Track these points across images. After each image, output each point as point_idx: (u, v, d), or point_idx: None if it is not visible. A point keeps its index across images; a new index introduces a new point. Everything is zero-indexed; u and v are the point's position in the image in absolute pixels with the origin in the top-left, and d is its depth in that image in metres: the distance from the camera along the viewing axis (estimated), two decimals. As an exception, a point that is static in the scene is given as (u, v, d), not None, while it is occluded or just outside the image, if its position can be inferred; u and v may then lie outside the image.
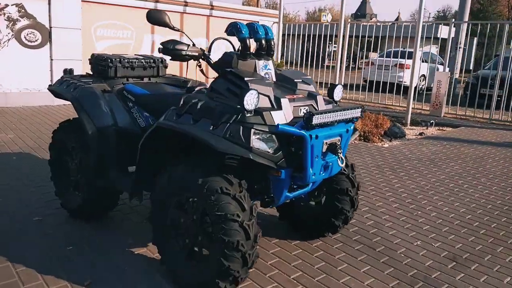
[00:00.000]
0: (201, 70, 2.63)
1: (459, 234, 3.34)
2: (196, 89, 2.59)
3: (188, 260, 2.35)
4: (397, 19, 45.61)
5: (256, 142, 2.14)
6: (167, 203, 2.38)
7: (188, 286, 2.33)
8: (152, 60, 3.28)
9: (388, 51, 13.92)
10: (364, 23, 16.14)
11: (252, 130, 2.12)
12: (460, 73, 11.17)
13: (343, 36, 9.97)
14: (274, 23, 11.32)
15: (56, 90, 3.18)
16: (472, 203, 4.06)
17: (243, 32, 2.42)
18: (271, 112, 2.21)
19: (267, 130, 2.17)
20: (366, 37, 13.55)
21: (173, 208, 2.38)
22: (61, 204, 3.26)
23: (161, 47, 2.43)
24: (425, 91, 11.33)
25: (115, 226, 3.14)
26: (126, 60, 3.12)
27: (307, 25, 12.51)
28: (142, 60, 3.22)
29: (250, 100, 2.11)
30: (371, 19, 47.40)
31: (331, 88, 2.63)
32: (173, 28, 2.54)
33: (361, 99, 10.92)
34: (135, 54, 3.42)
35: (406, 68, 12.22)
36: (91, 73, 3.28)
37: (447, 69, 9.91)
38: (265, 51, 2.50)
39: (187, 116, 2.24)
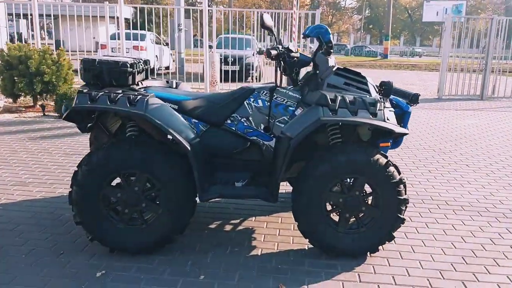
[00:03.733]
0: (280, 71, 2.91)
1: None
2: (289, 87, 2.91)
3: (348, 230, 2.68)
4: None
5: None
6: (323, 189, 2.58)
7: (351, 252, 2.68)
8: (144, 62, 2.99)
9: (113, 33, 13.83)
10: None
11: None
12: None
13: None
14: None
15: (100, 106, 2.47)
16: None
17: (329, 33, 2.79)
18: None
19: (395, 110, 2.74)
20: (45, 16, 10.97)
21: (329, 192, 2.61)
22: (113, 248, 2.65)
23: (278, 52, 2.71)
24: (162, 70, 12.35)
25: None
26: (137, 64, 2.80)
27: (29, 4, 10.76)
28: (142, 63, 2.92)
29: None
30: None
31: None
32: (274, 34, 2.79)
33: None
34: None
35: (141, 50, 12.64)
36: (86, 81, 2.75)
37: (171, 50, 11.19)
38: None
39: (343, 110, 2.50)
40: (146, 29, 10.76)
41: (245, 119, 2.82)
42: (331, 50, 2.78)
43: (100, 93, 2.48)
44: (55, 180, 3.94)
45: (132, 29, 16.53)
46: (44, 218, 3.14)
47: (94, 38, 18.11)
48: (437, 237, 3.05)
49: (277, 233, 3.03)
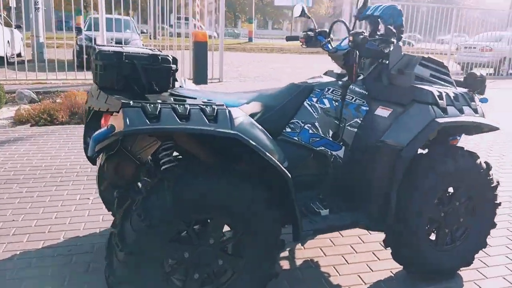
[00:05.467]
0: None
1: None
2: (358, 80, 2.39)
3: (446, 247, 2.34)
4: None
5: None
6: (428, 204, 2.17)
7: (454, 270, 2.38)
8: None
9: None
10: None
11: None
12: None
13: None
14: None
15: (169, 127, 1.55)
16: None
17: (402, 15, 2.35)
18: None
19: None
20: None
21: (431, 207, 2.20)
22: None
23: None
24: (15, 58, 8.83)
25: None
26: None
27: None
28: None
29: None
30: None
31: None
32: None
33: None
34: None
35: None
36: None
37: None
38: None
39: (450, 108, 2.15)
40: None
41: (309, 125, 2.20)
42: (402, 36, 2.33)
43: (160, 106, 1.57)
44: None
45: None
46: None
47: None
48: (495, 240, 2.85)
49: (344, 261, 2.49)
